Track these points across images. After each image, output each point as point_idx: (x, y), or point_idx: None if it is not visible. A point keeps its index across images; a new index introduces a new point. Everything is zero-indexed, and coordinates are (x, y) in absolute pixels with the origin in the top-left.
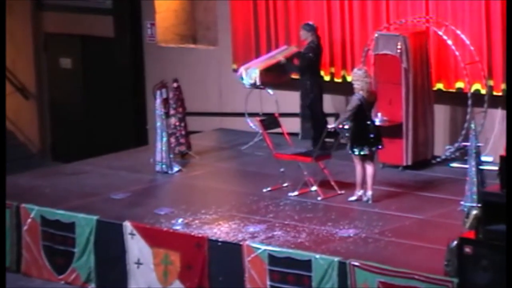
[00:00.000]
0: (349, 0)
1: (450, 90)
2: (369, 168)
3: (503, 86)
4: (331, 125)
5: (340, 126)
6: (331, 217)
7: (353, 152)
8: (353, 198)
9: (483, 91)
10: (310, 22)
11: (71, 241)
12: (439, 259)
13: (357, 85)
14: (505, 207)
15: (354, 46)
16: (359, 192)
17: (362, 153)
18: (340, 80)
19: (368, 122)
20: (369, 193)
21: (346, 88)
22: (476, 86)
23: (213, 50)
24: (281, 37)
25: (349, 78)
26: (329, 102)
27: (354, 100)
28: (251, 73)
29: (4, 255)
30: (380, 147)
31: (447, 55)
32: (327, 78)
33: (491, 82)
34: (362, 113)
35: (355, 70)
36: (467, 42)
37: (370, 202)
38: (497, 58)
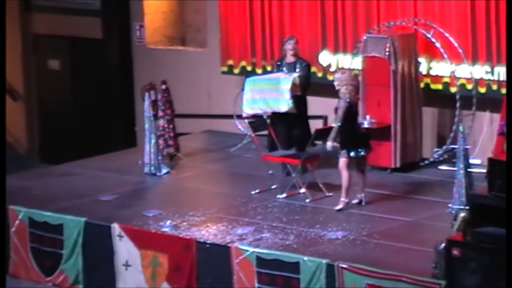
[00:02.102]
0: (342, 0)
1: (437, 85)
2: (361, 171)
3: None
4: (329, 142)
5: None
6: (319, 219)
7: (348, 155)
8: (340, 207)
9: (469, 86)
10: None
11: (59, 243)
12: (427, 262)
13: (344, 90)
14: (506, 209)
15: (347, 47)
16: (346, 199)
17: (355, 155)
18: (332, 78)
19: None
20: (363, 195)
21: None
22: (461, 81)
23: (202, 52)
24: (276, 38)
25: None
26: (318, 104)
27: (343, 105)
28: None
29: (4, 255)
30: (369, 150)
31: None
32: (319, 74)
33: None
34: (351, 116)
35: (339, 74)
36: (455, 44)
37: (363, 203)
38: (482, 58)
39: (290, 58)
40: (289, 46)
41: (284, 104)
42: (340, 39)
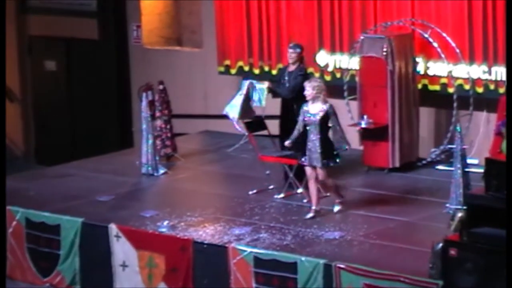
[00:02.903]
0: (339, 0)
1: (435, 86)
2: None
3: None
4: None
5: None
6: (316, 220)
7: (334, 163)
8: (311, 215)
9: (467, 87)
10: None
11: (56, 244)
12: (424, 262)
13: (323, 96)
14: (506, 208)
15: (344, 47)
16: (318, 207)
17: (334, 164)
18: (329, 78)
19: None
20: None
21: (333, 90)
22: (459, 82)
23: (199, 53)
24: (273, 38)
25: (338, 75)
26: None
27: (332, 110)
28: (261, 91)
29: (4, 255)
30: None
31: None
32: (317, 75)
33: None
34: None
35: (314, 83)
36: (453, 44)
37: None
38: (479, 57)
39: (290, 67)
40: (287, 54)
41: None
42: (337, 39)
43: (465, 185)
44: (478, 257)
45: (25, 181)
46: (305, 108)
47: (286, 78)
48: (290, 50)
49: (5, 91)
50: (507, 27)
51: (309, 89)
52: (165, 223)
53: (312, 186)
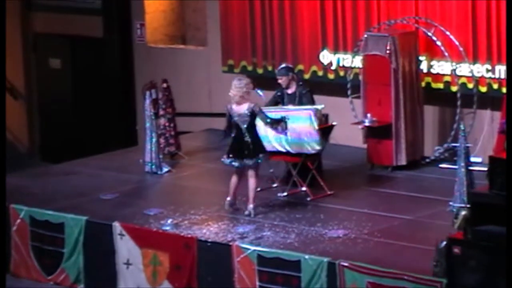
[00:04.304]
0: (342, 0)
1: (438, 84)
2: (251, 181)
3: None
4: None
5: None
6: (320, 218)
7: (231, 163)
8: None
9: (470, 85)
10: (286, 65)
11: (60, 242)
12: (428, 260)
13: (238, 98)
14: (506, 207)
15: (347, 45)
16: (229, 198)
17: (234, 164)
18: (333, 77)
19: (245, 134)
20: (251, 206)
21: (337, 88)
22: (462, 80)
23: (203, 51)
24: (276, 37)
25: (341, 74)
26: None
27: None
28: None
29: (4, 254)
30: (258, 161)
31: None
32: (320, 73)
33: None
34: (235, 124)
35: (235, 81)
36: (456, 42)
37: (252, 216)
38: (483, 56)
39: (290, 88)
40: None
41: (315, 144)
42: (341, 37)
43: (469, 183)
44: (482, 255)
45: (30, 179)
46: None
47: (286, 100)
48: (278, 77)
49: (11, 88)
50: (507, 27)
51: (232, 87)
52: (169, 221)
53: (248, 185)
